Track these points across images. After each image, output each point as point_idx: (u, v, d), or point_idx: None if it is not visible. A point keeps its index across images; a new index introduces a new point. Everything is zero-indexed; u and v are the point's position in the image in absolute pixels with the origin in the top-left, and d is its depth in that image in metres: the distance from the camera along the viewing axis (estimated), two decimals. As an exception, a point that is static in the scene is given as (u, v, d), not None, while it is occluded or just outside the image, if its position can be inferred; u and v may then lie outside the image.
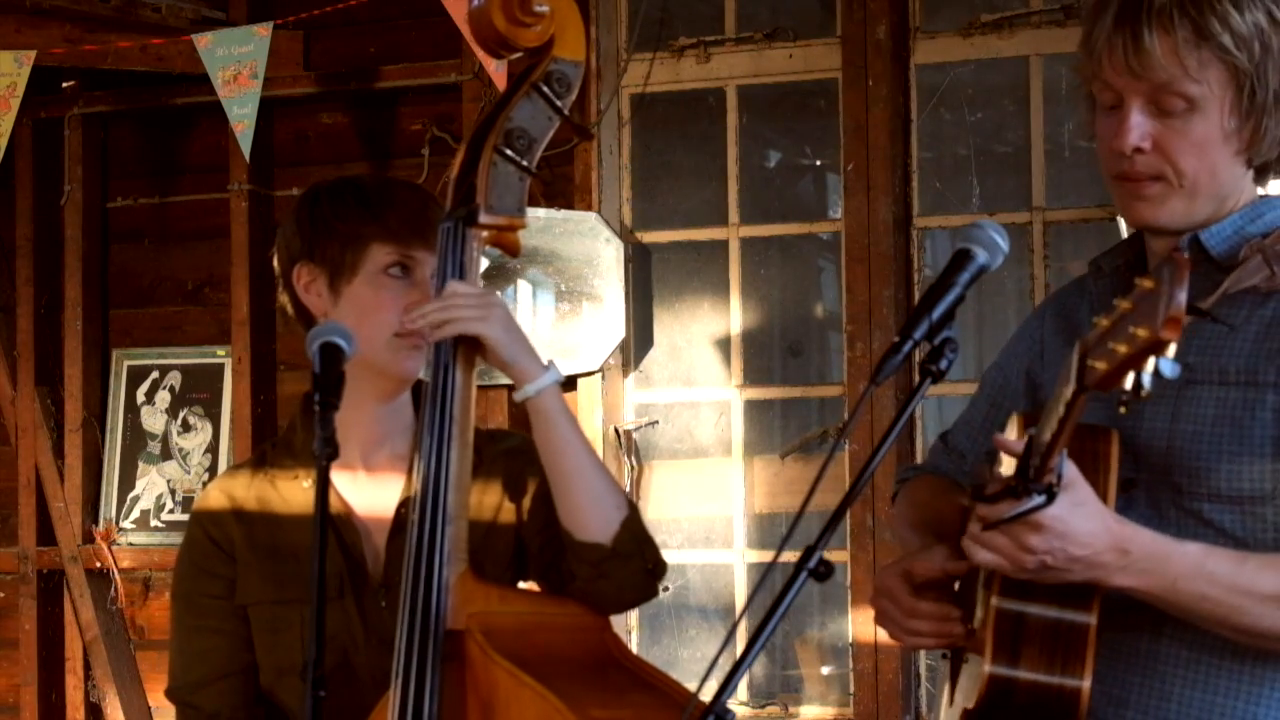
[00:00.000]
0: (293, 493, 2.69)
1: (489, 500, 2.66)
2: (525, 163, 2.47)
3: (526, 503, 2.66)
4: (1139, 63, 2.16)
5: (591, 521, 2.48)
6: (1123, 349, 1.79)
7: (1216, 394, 2.17)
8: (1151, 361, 1.78)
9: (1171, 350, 1.78)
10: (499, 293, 2.52)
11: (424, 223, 2.64)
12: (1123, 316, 1.81)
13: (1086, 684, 2.08)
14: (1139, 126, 2.18)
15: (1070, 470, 2.04)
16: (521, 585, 2.71)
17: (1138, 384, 1.81)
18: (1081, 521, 2.04)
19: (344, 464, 2.61)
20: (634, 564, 2.50)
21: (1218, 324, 2.21)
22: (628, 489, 4.98)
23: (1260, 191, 2.28)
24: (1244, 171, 2.23)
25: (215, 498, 2.73)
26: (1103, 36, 2.19)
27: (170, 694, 2.74)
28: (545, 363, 2.48)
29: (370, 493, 2.68)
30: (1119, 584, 2.09)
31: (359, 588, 2.64)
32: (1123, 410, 1.86)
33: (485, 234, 2.48)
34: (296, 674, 2.43)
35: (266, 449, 2.79)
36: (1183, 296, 1.76)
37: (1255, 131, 2.18)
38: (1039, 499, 1.99)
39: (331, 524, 2.61)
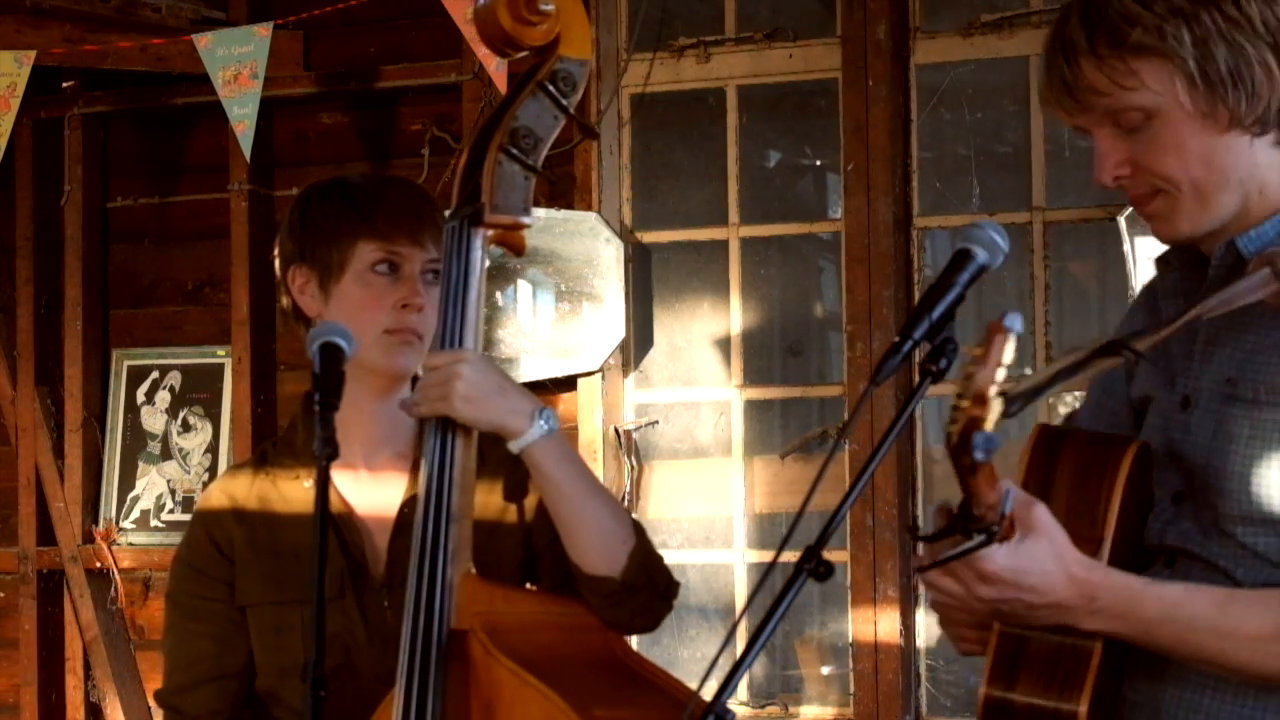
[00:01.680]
0: (293, 492, 2.69)
1: (493, 501, 2.66)
2: (530, 162, 2.47)
3: (533, 510, 2.66)
4: (1074, 99, 2.10)
5: (599, 560, 2.49)
6: (956, 424, 1.77)
7: (1250, 413, 2.07)
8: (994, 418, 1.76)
9: (989, 424, 1.75)
10: (470, 350, 2.46)
11: (412, 219, 2.64)
12: (965, 378, 1.78)
13: (1083, 709, 2.01)
14: (1110, 155, 2.11)
15: (1038, 516, 1.98)
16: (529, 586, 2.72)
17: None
18: (1036, 570, 1.97)
19: (345, 463, 2.61)
20: (644, 594, 2.51)
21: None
22: (628, 489, 4.98)
23: None
24: (1249, 143, 2.08)
25: (217, 498, 2.74)
26: (1045, 85, 2.14)
27: (157, 697, 2.74)
28: (531, 412, 2.44)
29: (372, 492, 2.69)
30: (1090, 628, 2.02)
31: (360, 587, 2.64)
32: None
33: (490, 233, 2.47)
34: (299, 674, 2.44)
35: (267, 448, 2.79)
36: (987, 374, 1.74)
37: (1225, 105, 2.04)
38: (979, 538, 1.93)
39: (333, 523, 2.61)
